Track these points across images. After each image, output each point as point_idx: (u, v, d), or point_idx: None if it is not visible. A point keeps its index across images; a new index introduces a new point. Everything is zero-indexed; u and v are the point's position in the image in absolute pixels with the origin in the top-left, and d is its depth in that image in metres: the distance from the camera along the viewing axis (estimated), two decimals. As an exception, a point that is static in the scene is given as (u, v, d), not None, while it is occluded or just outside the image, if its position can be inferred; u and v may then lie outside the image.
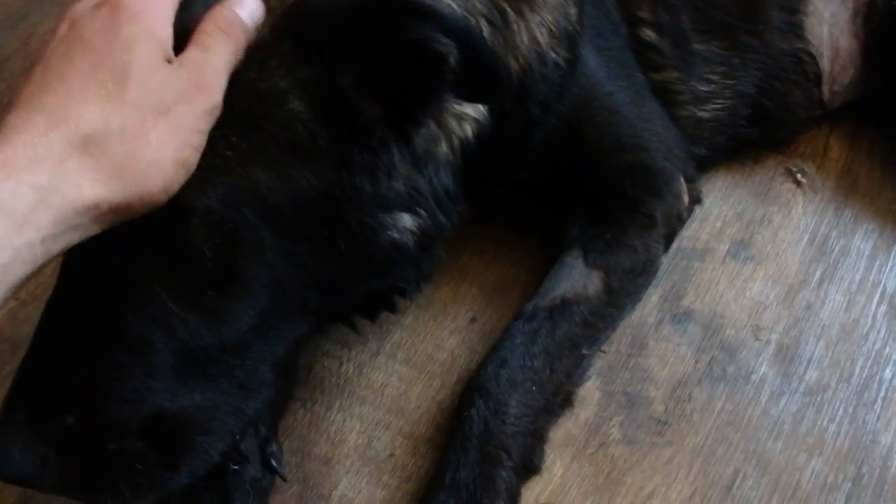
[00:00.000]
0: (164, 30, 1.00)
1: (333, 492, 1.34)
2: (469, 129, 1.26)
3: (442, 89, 1.11)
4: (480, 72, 1.11)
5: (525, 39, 1.26)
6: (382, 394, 1.43)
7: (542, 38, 1.28)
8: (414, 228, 1.20)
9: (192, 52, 1.00)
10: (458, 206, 1.27)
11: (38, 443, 1.02)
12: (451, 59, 1.06)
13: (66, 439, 1.03)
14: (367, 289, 1.25)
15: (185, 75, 0.98)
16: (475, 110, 1.25)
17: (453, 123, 1.24)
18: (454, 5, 1.17)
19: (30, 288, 1.52)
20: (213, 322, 1.07)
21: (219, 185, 1.03)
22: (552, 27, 1.30)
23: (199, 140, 0.99)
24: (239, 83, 1.04)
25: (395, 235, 1.17)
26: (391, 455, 1.37)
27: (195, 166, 0.99)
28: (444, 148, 1.23)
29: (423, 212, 1.21)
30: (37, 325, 1.08)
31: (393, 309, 1.35)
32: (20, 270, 0.89)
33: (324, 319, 1.27)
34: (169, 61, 0.99)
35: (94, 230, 0.95)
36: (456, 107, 1.24)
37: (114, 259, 1.03)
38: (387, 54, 1.07)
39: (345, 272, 1.17)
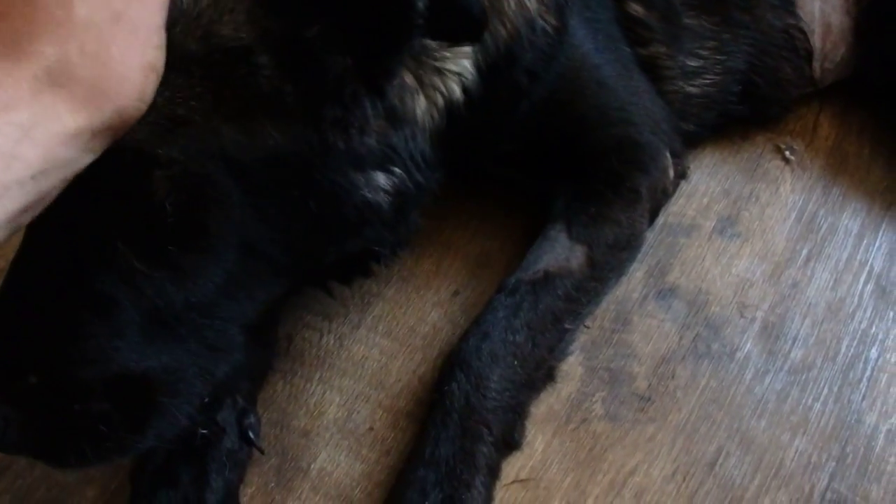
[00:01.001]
0: None
1: (312, 465, 1.33)
2: (455, 87, 1.24)
3: (412, 34, 1.07)
4: (451, 8, 1.08)
5: (513, 4, 1.24)
6: (363, 367, 1.41)
7: (531, 4, 1.26)
8: (388, 188, 1.17)
9: None
10: (436, 172, 1.25)
11: None
12: (420, 3, 1.03)
13: (29, 399, 1.01)
14: (339, 250, 1.21)
15: None
16: (457, 65, 1.23)
17: (434, 79, 1.21)
18: None
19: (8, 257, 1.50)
20: (180, 280, 1.04)
21: (181, 135, 1.00)
22: None
23: (159, 38, 0.96)
24: (203, 33, 1.02)
25: (368, 195, 1.14)
26: (371, 428, 1.37)
27: (163, 66, 0.96)
28: (423, 105, 1.21)
29: (398, 171, 1.17)
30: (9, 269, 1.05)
31: (367, 274, 1.32)
32: (11, 206, 0.87)
33: (298, 282, 1.23)
34: None
35: (85, 160, 0.93)
36: (435, 61, 1.21)
37: (78, 215, 1.01)
38: (352, 1, 1.03)
39: (316, 232, 1.13)
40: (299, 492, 1.30)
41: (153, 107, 0.97)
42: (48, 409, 1.01)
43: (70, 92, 0.90)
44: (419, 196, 1.23)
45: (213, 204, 1.04)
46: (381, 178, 1.16)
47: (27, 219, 0.91)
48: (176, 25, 1.00)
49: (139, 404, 1.06)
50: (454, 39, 1.18)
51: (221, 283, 1.08)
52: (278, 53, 1.04)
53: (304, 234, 1.13)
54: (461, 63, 1.23)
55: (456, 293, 1.50)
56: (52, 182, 0.91)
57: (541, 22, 1.27)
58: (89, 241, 1.02)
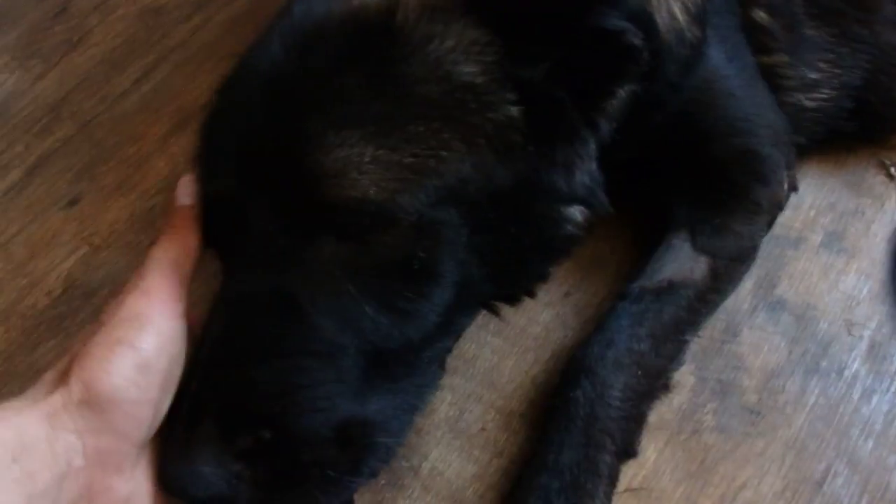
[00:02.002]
0: None
1: (423, 463, 1.32)
2: (619, 109, 1.22)
3: (627, 79, 1.12)
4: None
5: (666, 17, 1.22)
6: (474, 365, 1.40)
7: (681, 16, 1.24)
8: (582, 220, 1.18)
9: None
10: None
11: (230, 459, 0.99)
12: (645, 54, 1.07)
13: (260, 454, 1.00)
14: (535, 278, 1.24)
15: None
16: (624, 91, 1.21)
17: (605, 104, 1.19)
18: None
19: (103, 233, 1.49)
20: (404, 323, 1.05)
21: (431, 188, 1.01)
22: (689, 4, 1.26)
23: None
24: (450, 76, 1.03)
25: (571, 229, 1.17)
26: (482, 429, 1.36)
27: (138, 340, 0.97)
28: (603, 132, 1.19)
29: (592, 202, 1.18)
30: (204, 325, 1.06)
31: (533, 295, 1.30)
32: None
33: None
34: None
35: (62, 438, 0.94)
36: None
37: (294, 259, 1.02)
38: (582, 45, 1.06)
39: (520, 264, 1.16)
40: (410, 490, 1.30)
41: (386, 162, 0.99)
42: (280, 462, 1.01)
43: (45, 380, 0.96)
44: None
45: (447, 246, 1.05)
46: (578, 212, 1.18)
47: None
48: (409, 61, 1.01)
49: (360, 447, 1.06)
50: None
51: (439, 322, 1.08)
52: (525, 97, 1.06)
53: (510, 266, 1.14)
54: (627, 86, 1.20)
55: (567, 294, 1.49)
56: (38, 463, 0.90)
57: (688, 34, 1.25)
58: (312, 285, 1.02)
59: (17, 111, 1.78)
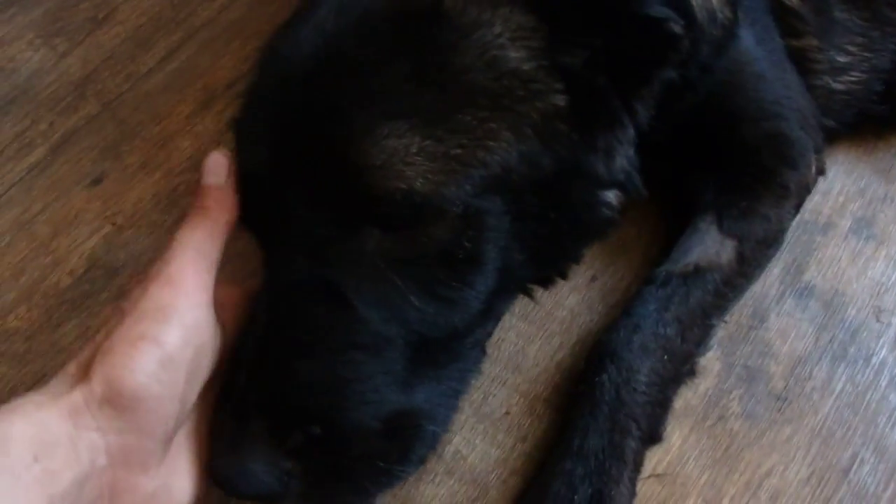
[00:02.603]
0: None
1: (447, 447, 1.31)
2: (655, 95, 1.21)
3: (667, 66, 1.11)
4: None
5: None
6: (499, 349, 1.39)
7: None
8: (617, 203, 1.18)
9: None
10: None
11: (280, 456, 1.00)
12: (685, 42, 1.07)
13: (310, 449, 1.01)
14: (570, 261, 1.25)
15: None
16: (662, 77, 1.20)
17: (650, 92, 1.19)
18: None
19: (127, 213, 1.49)
20: (449, 311, 1.05)
21: (477, 178, 1.01)
22: None
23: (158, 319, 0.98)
24: (497, 63, 1.03)
25: (607, 212, 1.17)
26: (507, 413, 1.35)
27: (163, 335, 0.96)
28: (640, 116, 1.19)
29: (628, 186, 1.19)
30: (247, 319, 1.06)
31: (566, 276, 1.30)
32: None
33: None
34: None
35: (84, 437, 0.93)
36: None
37: (338, 249, 1.02)
38: (624, 32, 1.06)
39: (558, 247, 1.17)
40: (433, 475, 1.29)
41: (432, 153, 0.98)
42: (331, 457, 1.02)
43: (67, 375, 0.95)
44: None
45: (492, 233, 1.04)
46: (614, 197, 1.18)
47: None
48: (457, 48, 1.00)
49: (408, 436, 1.06)
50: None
51: (482, 309, 1.08)
52: (570, 85, 1.05)
53: (549, 250, 1.14)
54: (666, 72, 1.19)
55: (594, 279, 1.48)
56: (60, 462, 0.89)
57: (720, 15, 1.24)
58: (356, 277, 1.02)
59: (41, 89, 1.78)
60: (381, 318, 1.02)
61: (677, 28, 1.07)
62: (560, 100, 1.07)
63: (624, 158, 1.17)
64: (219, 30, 1.85)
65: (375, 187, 0.99)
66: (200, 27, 1.86)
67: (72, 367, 0.97)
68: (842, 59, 1.50)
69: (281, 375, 1.01)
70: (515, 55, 1.05)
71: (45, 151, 1.69)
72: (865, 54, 1.52)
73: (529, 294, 1.28)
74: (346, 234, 1.02)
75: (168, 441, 1.00)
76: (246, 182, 1.09)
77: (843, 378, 1.39)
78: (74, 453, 0.89)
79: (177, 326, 0.96)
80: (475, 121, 1.02)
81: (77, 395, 0.91)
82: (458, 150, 1.01)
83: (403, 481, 1.14)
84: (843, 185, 1.58)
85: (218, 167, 1.08)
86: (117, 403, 0.92)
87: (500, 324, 1.40)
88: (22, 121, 1.75)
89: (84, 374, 0.94)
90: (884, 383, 1.38)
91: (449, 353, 1.09)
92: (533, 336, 1.43)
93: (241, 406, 1.00)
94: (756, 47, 1.39)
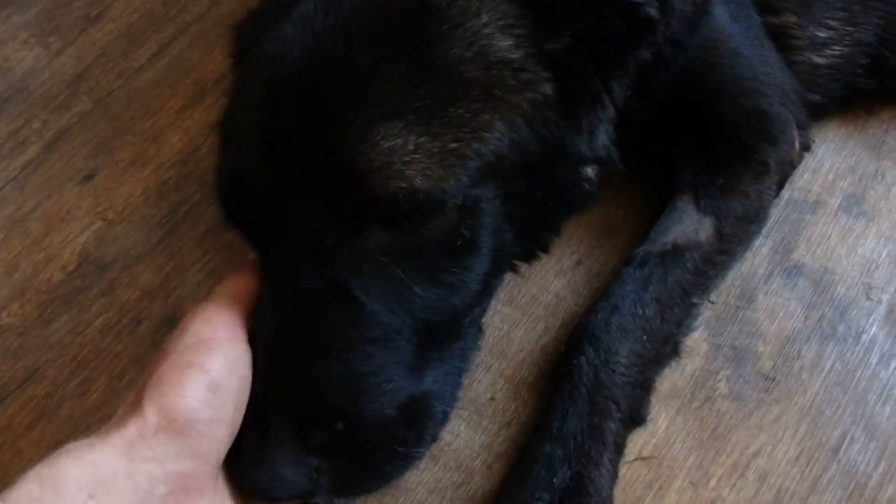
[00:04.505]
0: None
1: (431, 434, 1.27)
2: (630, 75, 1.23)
3: (643, 46, 1.13)
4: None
5: None
6: (484, 334, 1.37)
7: None
8: (595, 177, 1.20)
9: None
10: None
11: (306, 456, 1.03)
12: (661, 25, 1.10)
13: (334, 445, 1.04)
14: (553, 233, 1.27)
15: None
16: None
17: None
18: None
19: (118, 208, 1.50)
20: (450, 295, 1.08)
21: (473, 169, 1.03)
22: None
23: (200, 341, 1.04)
24: (486, 52, 1.04)
25: (588, 186, 1.19)
26: (492, 398, 1.35)
27: (206, 362, 1.01)
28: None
29: (607, 160, 1.21)
30: (257, 323, 1.09)
31: (547, 250, 1.31)
32: None
33: None
34: None
35: (142, 469, 0.95)
36: None
37: (342, 252, 1.03)
38: (604, 16, 1.07)
39: (543, 223, 1.21)
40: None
41: (430, 149, 1.01)
42: (354, 449, 1.05)
43: (117, 415, 0.96)
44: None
45: (487, 218, 1.06)
46: (592, 171, 1.20)
47: None
48: (446, 41, 1.02)
49: (422, 418, 1.10)
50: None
51: (480, 289, 1.11)
52: (545, 65, 1.07)
53: (534, 226, 1.17)
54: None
55: (579, 262, 1.48)
56: (117, 497, 0.91)
57: None
58: (358, 272, 1.04)
59: (35, 87, 1.80)
60: (388, 310, 1.05)
61: (653, 11, 1.08)
62: (548, 88, 1.09)
63: (604, 135, 1.18)
64: (209, 24, 1.86)
65: (377, 189, 1.00)
66: (191, 22, 1.87)
67: (121, 411, 1.00)
68: (822, 34, 1.50)
69: (299, 379, 1.04)
70: (504, 44, 1.06)
71: (39, 149, 1.70)
72: (847, 28, 1.51)
73: (516, 270, 1.29)
74: (349, 235, 1.04)
75: (221, 466, 1.03)
76: (236, 186, 1.10)
77: (833, 356, 1.38)
78: (132, 487, 0.92)
79: (219, 356, 1.01)
80: (469, 113, 1.03)
81: (130, 430, 0.94)
82: (455, 144, 1.02)
83: (420, 461, 1.17)
84: (832, 162, 1.57)
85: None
86: (172, 430, 0.95)
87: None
88: (16, 119, 1.76)
89: (133, 411, 0.96)
90: (874, 360, 1.37)
91: (451, 334, 1.12)
92: (518, 321, 1.43)
93: (261, 413, 1.04)
94: (731, 24, 1.39)
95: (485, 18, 1.05)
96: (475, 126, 1.03)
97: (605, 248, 1.49)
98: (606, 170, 1.22)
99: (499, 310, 1.42)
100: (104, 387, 1.40)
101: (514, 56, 1.06)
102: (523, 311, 1.43)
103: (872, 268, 1.46)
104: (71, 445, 0.92)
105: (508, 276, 1.36)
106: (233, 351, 1.00)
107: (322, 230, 1.03)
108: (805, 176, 1.54)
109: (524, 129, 1.07)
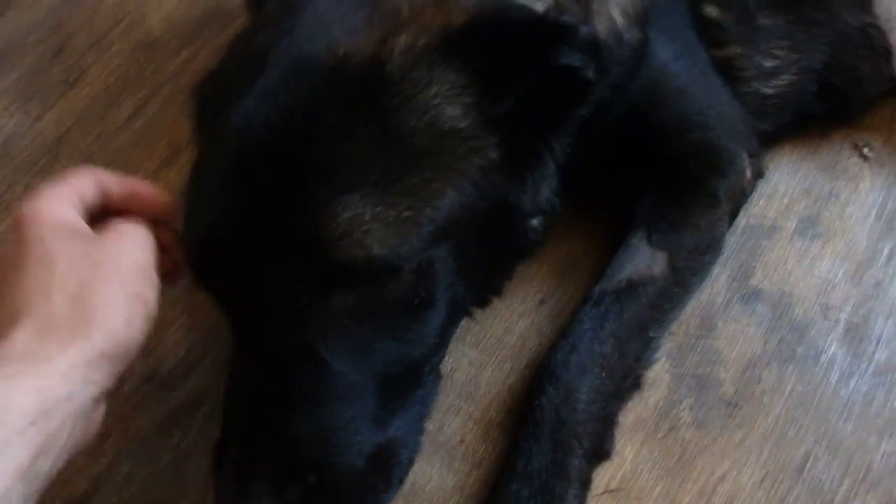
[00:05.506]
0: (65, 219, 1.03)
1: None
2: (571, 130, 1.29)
3: (582, 105, 1.18)
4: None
5: (605, 22, 1.26)
6: (452, 378, 1.42)
7: (619, 19, 1.28)
8: (540, 227, 1.27)
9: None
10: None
11: None
12: (600, 88, 1.17)
13: (309, 497, 1.09)
14: (504, 279, 1.32)
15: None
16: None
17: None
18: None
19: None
20: (409, 349, 1.14)
21: (426, 234, 1.07)
22: (628, 8, 1.29)
23: (145, 272, 1.06)
24: (437, 122, 1.09)
25: (534, 236, 1.26)
26: (462, 441, 1.38)
27: (151, 294, 1.05)
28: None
29: (550, 211, 1.27)
30: (231, 382, 1.16)
31: (500, 294, 1.36)
32: (19, 457, 0.90)
33: None
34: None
35: (87, 392, 0.97)
36: None
37: (308, 315, 1.08)
38: (544, 80, 1.12)
39: (492, 271, 1.27)
40: (391, 506, 1.30)
41: (385, 218, 1.05)
42: (327, 499, 1.10)
43: (56, 335, 0.95)
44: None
45: (441, 277, 1.12)
46: (537, 222, 1.27)
47: (47, 464, 0.93)
48: (400, 112, 1.06)
49: (389, 466, 1.15)
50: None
51: (438, 341, 1.17)
52: (491, 130, 1.12)
53: (485, 274, 1.23)
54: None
55: (542, 302, 1.51)
56: (58, 421, 0.93)
57: (627, 36, 1.27)
58: (319, 331, 1.09)
59: (16, 153, 1.82)
60: (353, 368, 1.10)
61: (590, 73, 1.13)
62: (494, 153, 1.13)
63: (547, 190, 1.25)
64: (182, 83, 1.89)
65: (339, 256, 1.05)
66: (164, 83, 1.90)
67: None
68: (769, 63, 1.53)
69: (274, 435, 1.09)
70: (453, 113, 1.10)
71: (22, 215, 1.72)
72: (794, 56, 1.54)
73: (471, 315, 1.35)
74: (318, 299, 1.08)
75: None
76: (207, 252, 1.13)
77: (793, 378, 1.41)
78: (70, 411, 0.94)
79: (155, 288, 1.07)
80: (421, 182, 1.08)
81: (74, 354, 0.96)
82: (409, 213, 1.07)
83: None
84: (787, 186, 1.60)
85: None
86: (114, 356, 0.98)
87: (453, 354, 1.44)
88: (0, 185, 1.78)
89: (76, 330, 0.99)
90: (834, 379, 1.41)
91: (411, 383, 1.17)
92: (485, 363, 1.46)
93: (239, 469, 1.10)
94: (675, 62, 1.42)
95: (434, 89, 1.09)
96: (427, 195, 1.07)
97: (567, 286, 1.52)
98: (550, 219, 1.27)
99: (466, 353, 1.46)
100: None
101: (462, 125, 1.10)
102: (490, 354, 1.46)
103: (829, 288, 1.49)
104: (15, 370, 0.92)
105: (473, 321, 1.41)
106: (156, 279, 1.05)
107: (291, 295, 1.07)
108: (760, 202, 1.58)
109: (473, 192, 1.11)
